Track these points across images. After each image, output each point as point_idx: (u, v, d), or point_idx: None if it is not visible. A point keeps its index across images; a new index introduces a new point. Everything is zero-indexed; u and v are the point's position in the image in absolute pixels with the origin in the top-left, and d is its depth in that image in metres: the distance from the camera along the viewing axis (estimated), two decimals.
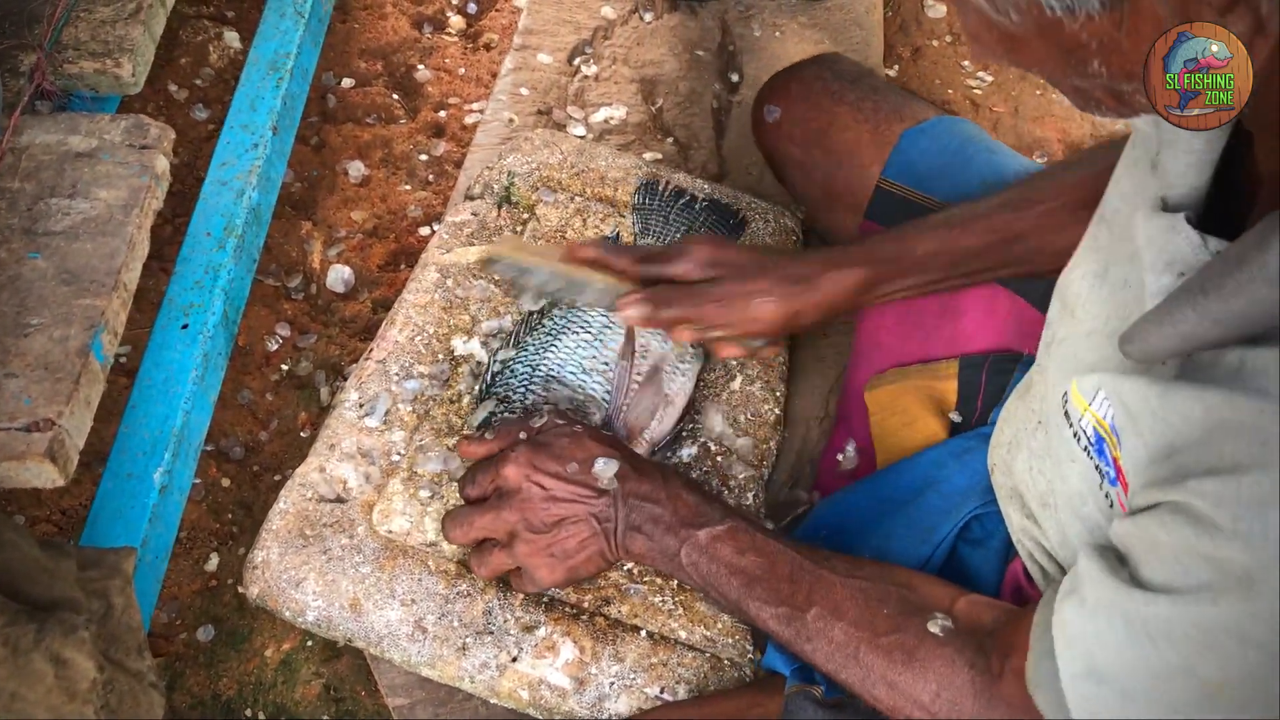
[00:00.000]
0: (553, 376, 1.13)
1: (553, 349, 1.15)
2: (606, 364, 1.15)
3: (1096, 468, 0.77)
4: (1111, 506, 0.76)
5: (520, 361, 1.15)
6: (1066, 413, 0.80)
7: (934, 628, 0.85)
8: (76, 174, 1.05)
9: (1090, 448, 0.77)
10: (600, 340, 1.17)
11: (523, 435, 1.04)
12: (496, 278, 1.09)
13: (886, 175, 1.22)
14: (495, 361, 1.16)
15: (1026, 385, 0.95)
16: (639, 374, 1.15)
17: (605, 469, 0.99)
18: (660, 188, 1.34)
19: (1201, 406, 0.64)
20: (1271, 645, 0.60)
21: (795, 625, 0.91)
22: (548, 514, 0.99)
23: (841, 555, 0.95)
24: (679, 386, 1.16)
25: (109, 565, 0.95)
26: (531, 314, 1.20)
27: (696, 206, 1.33)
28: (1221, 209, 0.71)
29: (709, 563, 0.96)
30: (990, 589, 0.97)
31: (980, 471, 1.02)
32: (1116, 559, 0.71)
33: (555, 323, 1.18)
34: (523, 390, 1.13)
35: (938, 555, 1.00)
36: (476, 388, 1.16)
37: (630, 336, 1.16)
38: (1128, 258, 0.77)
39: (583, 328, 1.17)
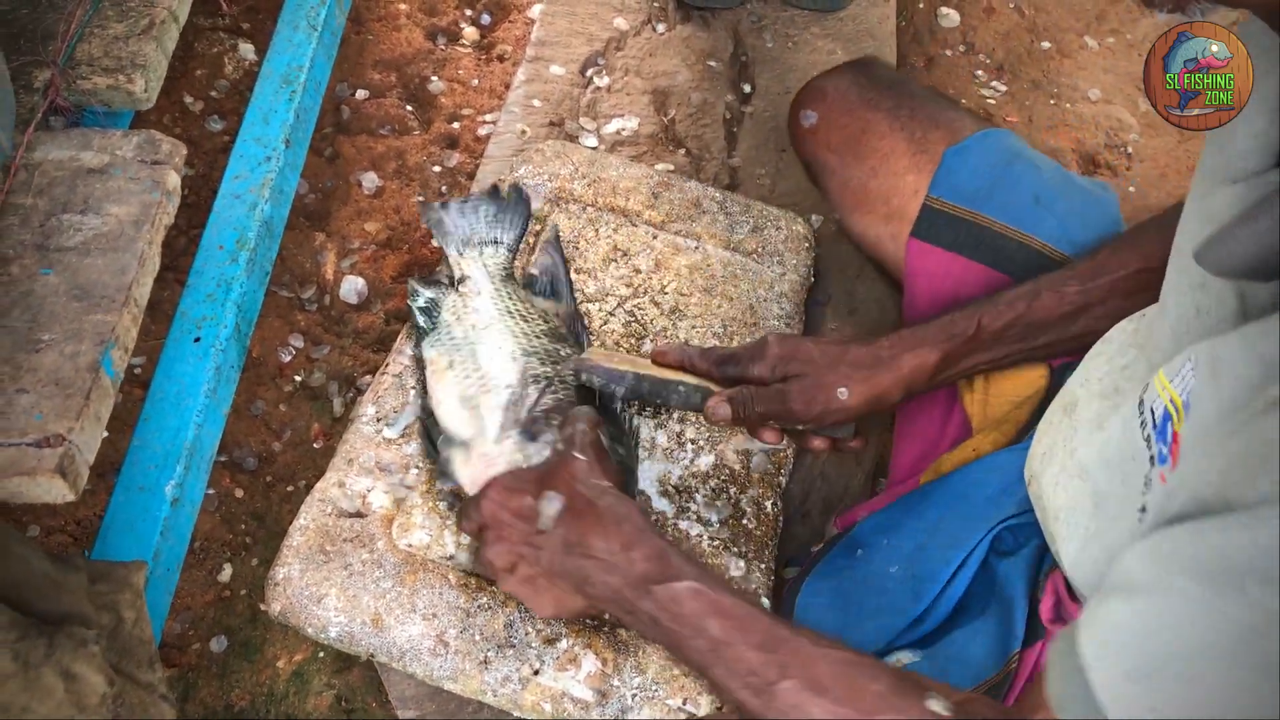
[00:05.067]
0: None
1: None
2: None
3: (1150, 456, 0.74)
4: (1143, 511, 0.75)
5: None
6: (1141, 401, 0.77)
7: (935, 705, 0.76)
8: (89, 190, 1.06)
9: (1152, 433, 0.74)
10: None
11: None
12: (586, 381, 1.12)
13: (935, 194, 1.20)
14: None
15: (1073, 402, 0.93)
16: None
17: (546, 507, 0.95)
18: None
19: None
20: None
21: (765, 698, 0.82)
22: (508, 550, 0.97)
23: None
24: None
25: (119, 579, 0.96)
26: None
27: None
28: None
29: (670, 621, 0.89)
30: (1019, 598, 0.96)
31: (1014, 480, 1.02)
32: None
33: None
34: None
35: (970, 563, 1.01)
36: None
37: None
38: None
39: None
